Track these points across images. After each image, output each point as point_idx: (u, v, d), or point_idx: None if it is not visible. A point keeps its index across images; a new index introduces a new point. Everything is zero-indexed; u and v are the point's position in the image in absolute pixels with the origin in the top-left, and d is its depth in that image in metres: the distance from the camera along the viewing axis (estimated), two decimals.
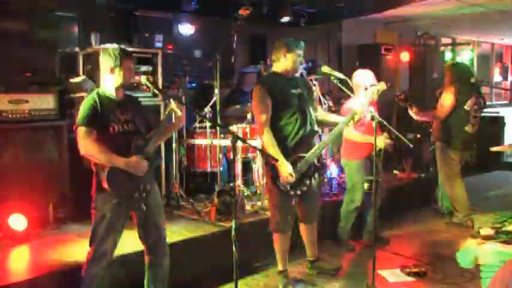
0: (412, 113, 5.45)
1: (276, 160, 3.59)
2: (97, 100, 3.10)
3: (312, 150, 3.80)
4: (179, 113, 3.23)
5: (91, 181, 3.18)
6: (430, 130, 5.85)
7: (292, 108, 3.77)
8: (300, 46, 3.81)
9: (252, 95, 3.88)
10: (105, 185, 3.05)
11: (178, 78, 5.81)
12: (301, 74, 3.98)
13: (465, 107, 5.42)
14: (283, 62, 3.82)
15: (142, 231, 3.32)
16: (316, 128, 3.93)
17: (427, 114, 5.68)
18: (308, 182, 3.83)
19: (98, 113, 3.07)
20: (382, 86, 3.93)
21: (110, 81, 3.18)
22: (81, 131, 3.04)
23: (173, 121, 3.31)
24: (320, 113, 4.12)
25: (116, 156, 3.04)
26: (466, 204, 5.58)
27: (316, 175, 3.94)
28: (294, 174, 3.67)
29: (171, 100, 3.21)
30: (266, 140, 3.71)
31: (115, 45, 3.26)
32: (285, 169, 3.64)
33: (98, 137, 3.05)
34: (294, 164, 3.71)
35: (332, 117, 4.12)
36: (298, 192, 3.81)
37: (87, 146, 3.02)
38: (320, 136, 4.02)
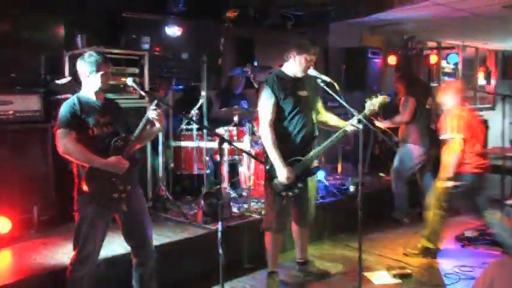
0: (378, 123, 5.76)
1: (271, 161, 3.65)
2: (77, 103, 3.12)
3: (309, 155, 3.82)
4: (157, 124, 3.24)
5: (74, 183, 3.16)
6: (396, 139, 5.98)
7: (294, 110, 3.79)
8: (311, 50, 3.77)
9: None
10: (84, 187, 3.04)
11: (163, 80, 5.77)
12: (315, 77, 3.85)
13: (427, 106, 5.87)
14: (291, 63, 3.84)
15: (126, 233, 3.32)
16: (317, 132, 3.94)
17: (392, 121, 5.93)
18: (300, 185, 3.84)
19: (78, 116, 3.08)
20: (384, 99, 3.76)
21: (88, 86, 3.20)
22: (60, 132, 3.05)
23: (154, 126, 3.30)
24: (323, 115, 4.08)
25: (94, 156, 3.04)
26: (405, 204, 5.99)
27: (308, 179, 3.93)
28: (291, 176, 3.70)
29: (149, 109, 3.19)
30: (267, 140, 3.74)
31: (92, 52, 3.25)
32: (283, 171, 3.68)
33: (78, 139, 3.05)
34: (290, 166, 3.74)
35: (334, 121, 4.05)
36: (290, 193, 3.82)
37: (66, 145, 3.02)
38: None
